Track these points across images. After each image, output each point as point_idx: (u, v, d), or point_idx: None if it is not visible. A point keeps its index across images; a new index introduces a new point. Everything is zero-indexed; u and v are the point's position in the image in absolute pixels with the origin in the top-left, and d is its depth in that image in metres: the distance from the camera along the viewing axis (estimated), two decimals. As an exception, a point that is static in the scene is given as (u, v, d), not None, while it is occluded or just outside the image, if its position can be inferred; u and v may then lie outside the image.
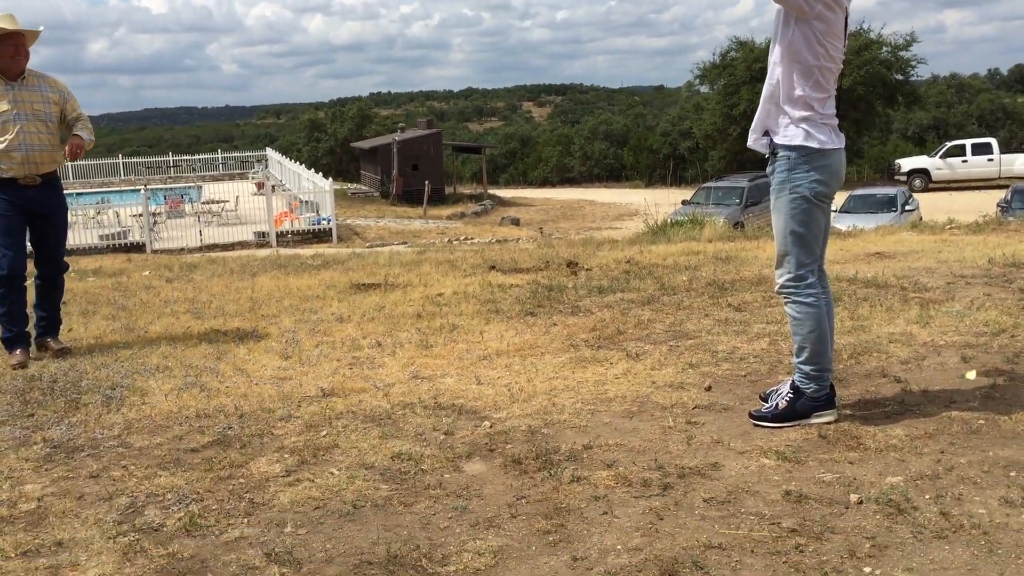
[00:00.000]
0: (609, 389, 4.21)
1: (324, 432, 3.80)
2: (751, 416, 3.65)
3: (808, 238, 3.55)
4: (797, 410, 3.58)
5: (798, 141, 3.48)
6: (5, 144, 5.27)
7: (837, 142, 3.53)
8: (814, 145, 3.47)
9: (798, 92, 3.46)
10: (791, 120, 3.49)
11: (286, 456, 3.56)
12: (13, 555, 2.82)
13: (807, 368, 3.58)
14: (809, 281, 3.57)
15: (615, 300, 6.43)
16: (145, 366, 5.07)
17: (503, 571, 2.57)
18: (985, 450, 3.23)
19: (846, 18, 3.50)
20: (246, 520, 3.00)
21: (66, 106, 5.55)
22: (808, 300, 3.56)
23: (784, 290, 3.61)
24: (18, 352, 5.35)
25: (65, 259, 5.76)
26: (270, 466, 3.47)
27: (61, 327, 5.80)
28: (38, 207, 5.46)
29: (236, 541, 2.85)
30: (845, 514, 2.81)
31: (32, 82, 5.42)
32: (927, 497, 2.88)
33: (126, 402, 4.41)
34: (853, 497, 2.90)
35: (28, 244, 5.54)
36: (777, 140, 3.53)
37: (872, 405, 3.77)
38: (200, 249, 21.10)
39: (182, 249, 21.18)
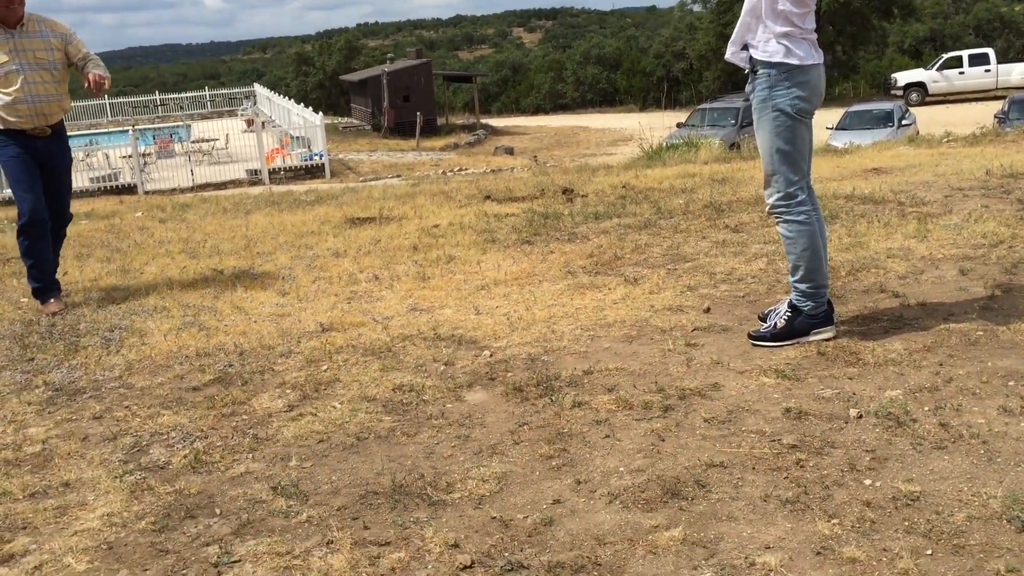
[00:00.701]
0: (608, 314, 4.21)
1: (325, 367, 3.81)
2: (750, 336, 3.66)
3: (794, 155, 3.51)
4: (796, 328, 3.58)
5: (778, 58, 3.43)
6: (11, 97, 5.08)
7: (816, 57, 3.48)
8: (794, 61, 3.42)
9: (780, 6, 3.40)
10: (772, 35, 3.43)
11: (288, 391, 3.57)
12: (21, 497, 2.84)
13: (803, 286, 3.58)
14: (800, 199, 3.54)
15: (612, 226, 6.40)
16: (143, 307, 5.06)
17: (507, 497, 2.60)
18: (983, 361, 3.24)
19: None
20: (251, 455, 3.02)
21: (69, 48, 5.28)
22: (800, 218, 3.53)
23: (775, 210, 3.59)
24: (52, 301, 5.20)
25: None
26: (272, 402, 3.48)
27: (57, 270, 5.67)
28: (47, 158, 5.28)
29: (242, 476, 2.88)
30: (845, 429, 2.83)
31: (32, 28, 5.16)
32: (926, 409, 2.90)
33: (125, 343, 4.41)
34: (852, 412, 2.92)
35: None
36: (756, 56, 3.48)
37: (870, 320, 3.77)
38: (192, 189, 20.97)
39: (174, 189, 21.05)
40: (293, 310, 4.80)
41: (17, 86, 5.08)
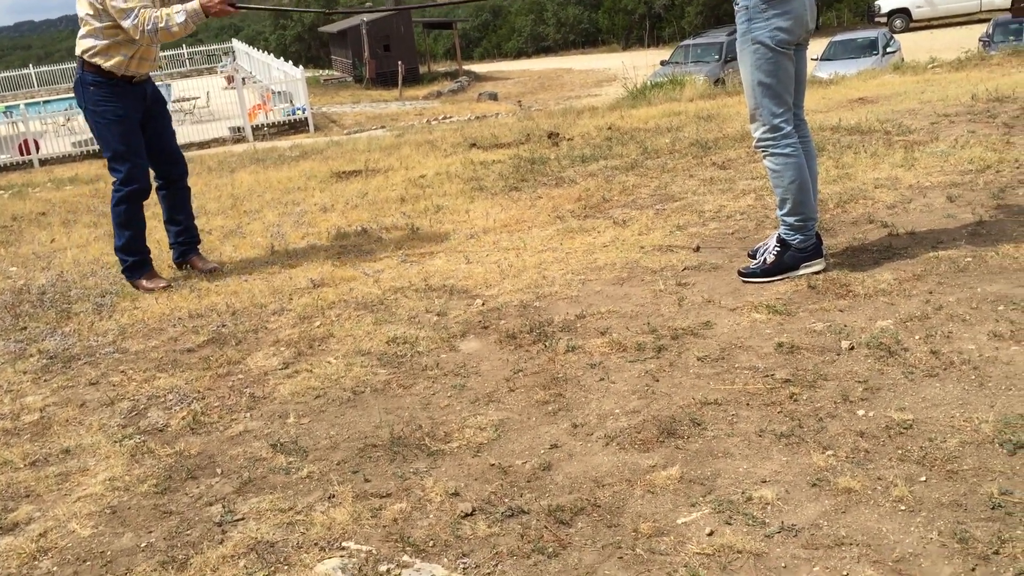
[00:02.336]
0: (598, 257, 4.21)
1: (318, 323, 3.81)
2: (740, 273, 3.67)
3: (777, 88, 3.48)
4: (785, 263, 3.59)
5: None
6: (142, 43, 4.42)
7: None
8: None
9: None
10: None
11: (282, 349, 3.58)
12: (22, 465, 2.86)
13: (791, 220, 3.57)
14: (785, 131, 3.52)
15: (599, 168, 6.37)
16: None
17: (505, 443, 2.62)
18: (973, 287, 3.25)
19: None
20: (249, 414, 3.04)
21: None
22: (786, 151, 3.52)
23: (761, 144, 3.57)
24: (152, 274, 4.76)
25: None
26: (267, 360, 3.49)
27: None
28: (154, 101, 4.70)
29: (241, 435, 2.89)
30: (837, 361, 2.85)
31: None
32: (917, 338, 2.92)
33: (117, 308, 4.40)
34: (844, 344, 2.94)
35: None
36: None
37: (860, 252, 3.78)
38: (176, 149, 20.73)
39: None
40: (283, 267, 4.79)
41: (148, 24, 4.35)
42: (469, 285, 4.06)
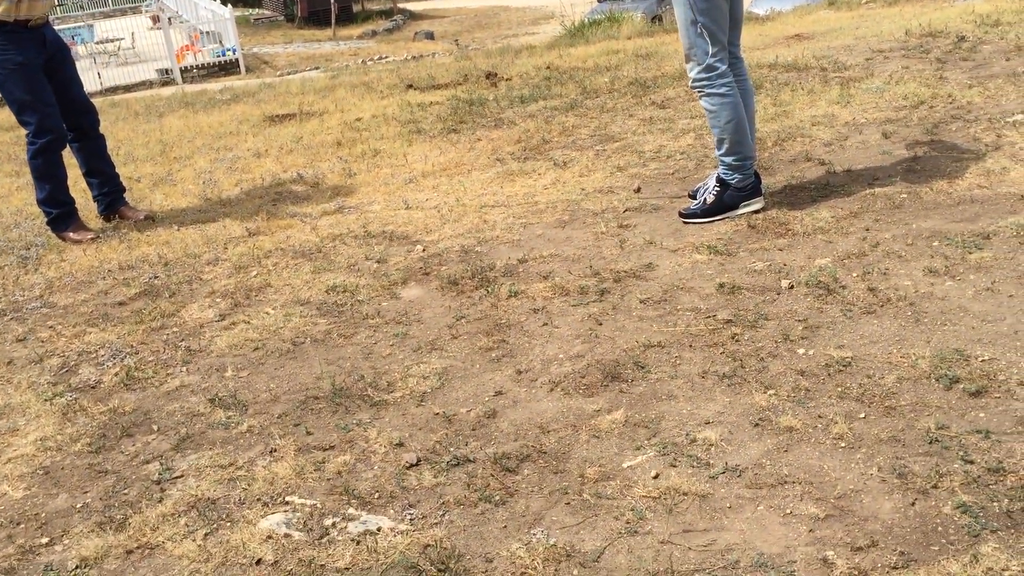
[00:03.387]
0: (539, 200, 4.17)
1: (254, 272, 3.72)
2: (681, 215, 3.66)
3: (711, 27, 3.44)
4: (725, 202, 3.59)
5: None
6: None
7: None
8: None
9: None
10: None
11: (218, 300, 3.49)
12: (-51, 429, 2.76)
13: (729, 159, 3.57)
14: (720, 71, 3.49)
15: (538, 109, 6.30)
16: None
17: (449, 392, 2.59)
18: (908, 223, 3.29)
19: None
20: (185, 368, 2.96)
21: None
22: (721, 91, 3.49)
23: (697, 84, 3.54)
24: (79, 226, 4.56)
25: None
26: (203, 312, 3.40)
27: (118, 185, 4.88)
28: (56, 48, 4.45)
29: (177, 390, 2.82)
30: (777, 300, 2.87)
31: None
32: (855, 275, 2.95)
33: (43, 261, 4.25)
34: (784, 283, 2.96)
35: None
36: None
37: (798, 190, 3.80)
38: (101, 93, 20.06)
39: (82, 95, 20.07)
40: (217, 215, 4.67)
41: None
42: (409, 231, 4.00)
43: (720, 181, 3.61)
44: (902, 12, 9.14)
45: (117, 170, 4.85)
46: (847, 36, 7.62)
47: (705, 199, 3.63)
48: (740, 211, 3.59)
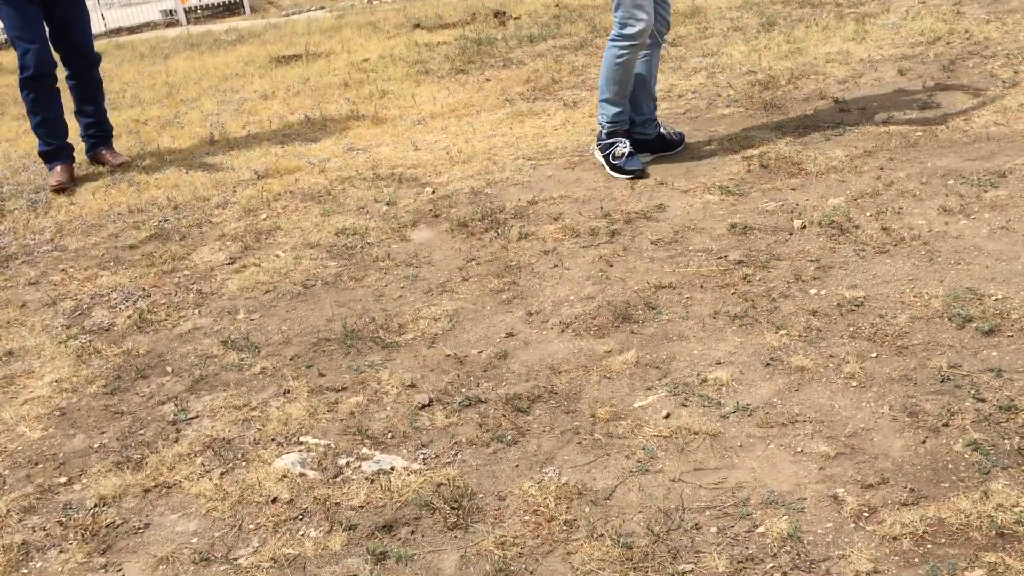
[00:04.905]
0: (549, 141, 4.14)
1: (264, 215, 3.71)
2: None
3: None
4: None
5: None
6: None
7: None
8: None
9: None
10: None
11: (228, 243, 3.49)
12: (-35, 371, 2.78)
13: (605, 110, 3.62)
14: (629, 33, 3.41)
15: (547, 48, 6.21)
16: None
17: (460, 334, 2.60)
18: (923, 162, 3.26)
19: None
20: (197, 311, 2.98)
21: None
22: (623, 51, 3.47)
23: (611, 38, 3.49)
24: (59, 169, 4.52)
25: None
26: (213, 255, 3.40)
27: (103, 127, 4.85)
28: None
29: (190, 332, 2.84)
30: (789, 240, 2.85)
31: None
32: (868, 215, 2.92)
33: (53, 204, 4.25)
34: (796, 223, 2.94)
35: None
36: None
37: (811, 129, 3.75)
38: (105, 35, 19.87)
39: (86, 37, 19.88)
40: (225, 158, 4.64)
41: None
42: (418, 173, 3.97)
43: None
44: (919, -54, 8.93)
45: (124, 113, 4.81)
46: (862, -29, 7.46)
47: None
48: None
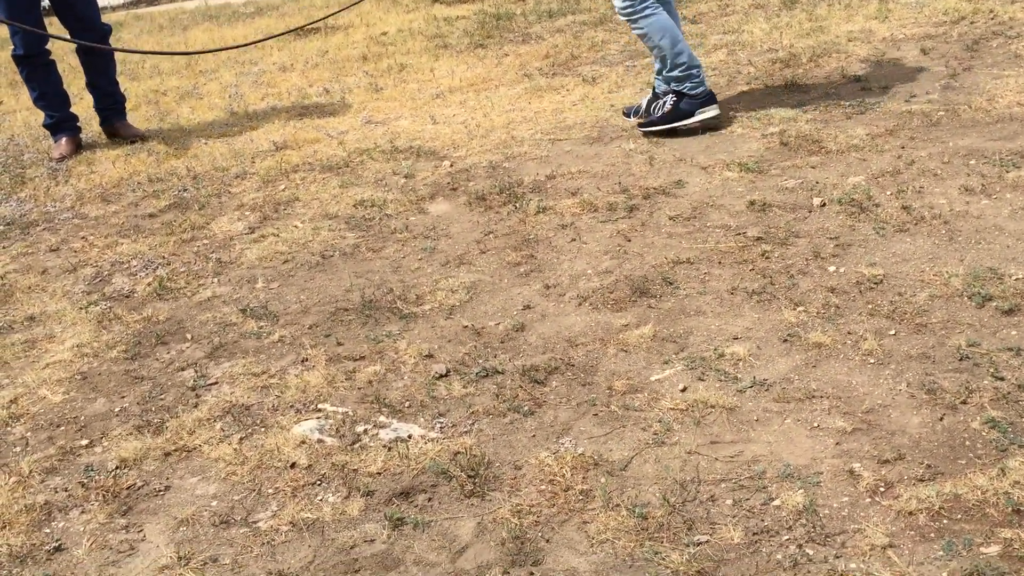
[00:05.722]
0: (567, 116, 4.13)
1: (282, 186, 3.73)
2: (640, 125, 3.74)
3: None
4: (682, 109, 3.66)
5: None
6: None
7: None
8: None
9: None
10: None
11: (247, 213, 3.51)
12: (-13, 335, 2.81)
13: (676, 72, 3.63)
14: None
15: (566, 23, 6.18)
16: (87, 133, 4.85)
17: (478, 305, 2.61)
18: (945, 141, 3.23)
19: None
20: (216, 279, 2.99)
21: None
22: (646, 12, 3.55)
23: (623, 12, 3.57)
24: (63, 141, 4.55)
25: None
26: (232, 224, 3.42)
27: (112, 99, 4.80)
28: None
29: (209, 300, 2.86)
30: (808, 218, 2.84)
31: None
32: (888, 193, 2.91)
33: (73, 173, 4.27)
34: (816, 200, 2.93)
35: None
36: None
37: (833, 107, 3.73)
38: (124, 6, 19.87)
39: (103, 8, 19.93)
40: (244, 129, 4.65)
41: None
42: (436, 146, 3.97)
43: (676, 92, 3.67)
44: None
45: (144, 83, 4.81)
46: (886, -51, 7.38)
47: (665, 109, 3.67)
48: (696, 118, 3.67)
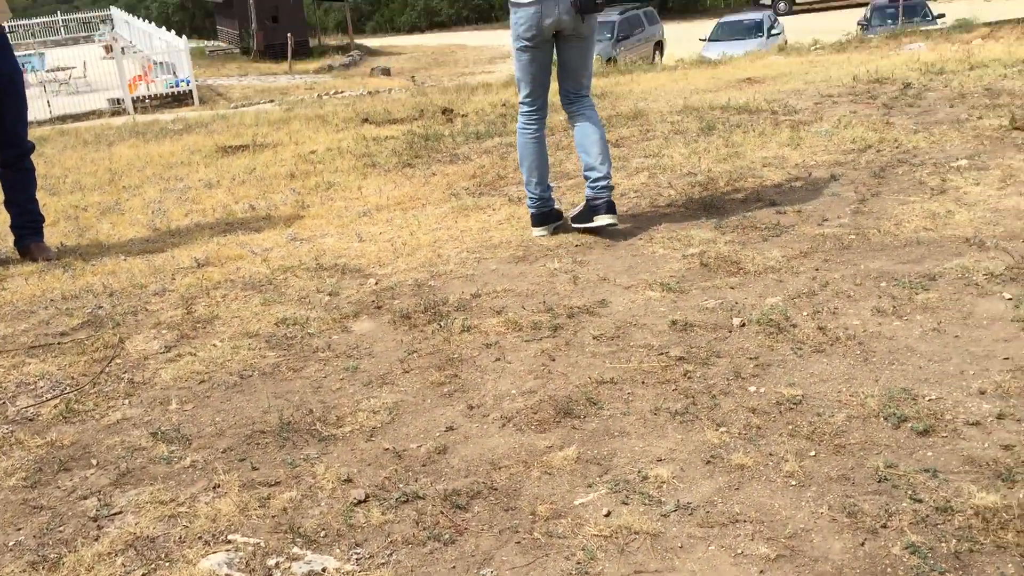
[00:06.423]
0: (493, 235, 4.17)
1: (202, 303, 3.65)
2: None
3: (520, 76, 4.00)
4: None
5: None
6: None
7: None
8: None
9: None
10: None
11: (164, 332, 3.42)
12: None
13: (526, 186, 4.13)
14: (524, 111, 4.05)
15: (493, 145, 6.32)
16: (0, 249, 4.74)
17: (399, 427, 2.55)
18: (857, 264, 3.34)
19: None
20: (127, 401, 2.89)
21: None
22: (519, 125, 4.09)
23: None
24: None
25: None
26: (148, 343, 3.33)
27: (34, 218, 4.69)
28: None
29: (118, 423, 2.75)
30: (729, 338, 2.88)
31: None
32: (805, 314, 2.97)
33: (-17, 290, 4.13)
34: (736, 321, 2.97)
35: None
36: None
37: (749, 230, 3.84)
38: (50, 121, 19.76)
39: (29, 122, 19.78)
40: (165, 246, 4.59)
41: None
42: (362, 264, 3.96)
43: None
44: (850, 59, 9.37)
45: (64, 198, 4.73)
46: (797, 81, 7.78)
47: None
48: (576, 224, 4.04)
